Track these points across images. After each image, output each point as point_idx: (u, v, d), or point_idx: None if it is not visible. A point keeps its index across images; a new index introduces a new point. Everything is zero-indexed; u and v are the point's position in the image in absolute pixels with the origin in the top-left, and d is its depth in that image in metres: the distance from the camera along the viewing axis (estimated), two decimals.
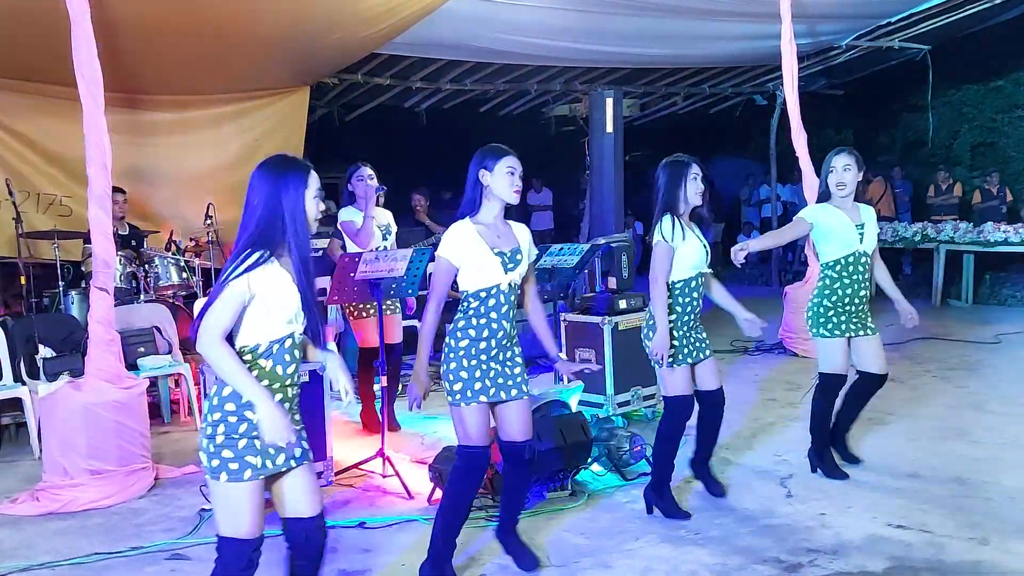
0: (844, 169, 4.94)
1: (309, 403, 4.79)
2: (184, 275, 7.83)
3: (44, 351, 6.11)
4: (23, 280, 7.41)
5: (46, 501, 4.97)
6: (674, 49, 10.71)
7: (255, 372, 2.89)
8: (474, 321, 3.73)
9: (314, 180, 3.05)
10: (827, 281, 5.01)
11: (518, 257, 3.82)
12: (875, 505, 4.68)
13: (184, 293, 7.91)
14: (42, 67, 7.60)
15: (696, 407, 4.66)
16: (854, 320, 5.00)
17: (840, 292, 4.97)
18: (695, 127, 15.68)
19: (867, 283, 5.02)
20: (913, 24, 10.75)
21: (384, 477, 5.27)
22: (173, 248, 8.00)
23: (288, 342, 2.97)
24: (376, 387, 6.29)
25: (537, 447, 4.17)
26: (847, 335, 5.01)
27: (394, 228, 6.52)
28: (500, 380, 3.78)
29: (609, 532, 4.45)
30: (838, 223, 4.96)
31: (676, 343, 4.50)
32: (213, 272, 8.25)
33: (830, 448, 5.22)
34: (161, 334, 6.86)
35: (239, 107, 9.70)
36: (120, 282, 7.15)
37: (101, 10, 5.60)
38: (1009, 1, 10.55)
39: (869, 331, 5.05)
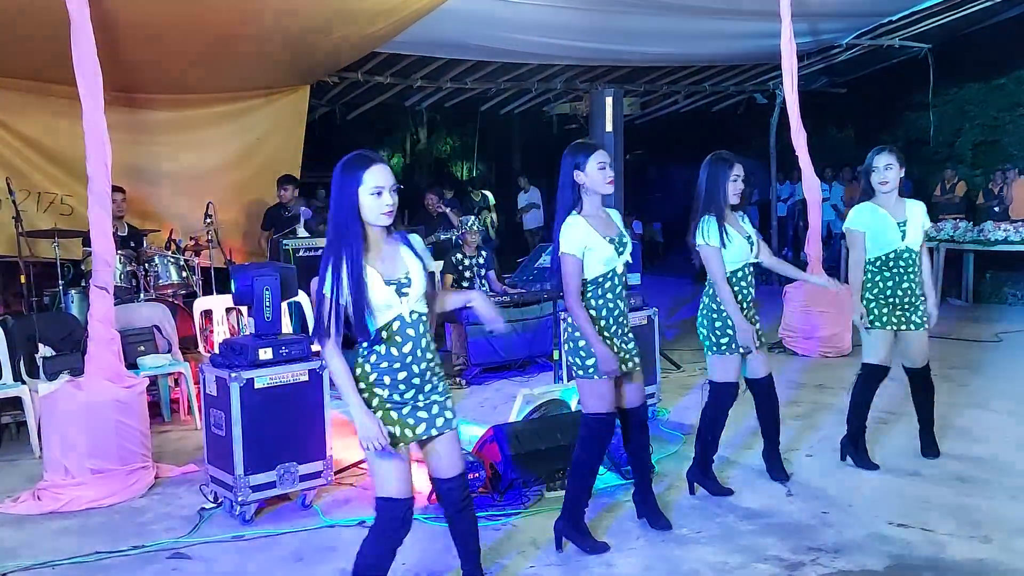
0: (886, 168, 5.03)
1: (309, 403, 4.80)
2: (184, 274, 7.82)
3: (44, 350, 6.11)
4: (23, 279, 7.40)
5: (47, 500, 4.97)
6: (675, 48, 10.71)
7: (374, 358, 3.17)
8: (593, 303, 4.06)
9: (371, 176, 3.12)
10: (869, 275, 5.13)
11: (624, 240, 4.13)
12: (876, 503, 4.67)
13: (184, 292, 7.90)
14: (42, 66, 7.60)
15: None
16: (897, 313, 5.11)
17: (882, 285, 5.09)
18: (696, 126, 15.68)
19: (914, 278, 5.10)
20: (914, 22, 10.74)
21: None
22: (173, 247, 7.99)
23: (396, 324, 3.17)
24: None
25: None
26: (890, 327, 5.12)
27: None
28: (620, 354, 4.12)
29: (610, 530, 4.45)
30: (879, 223, 5.07)
31: (731, 332, 4.66)
32: (213, 271, 8.24)
33: (864, 438, 5.33)
34: (161, 333, 6.86)
35: (239, 106, 9.70)
36: (120, 281, 7.15)
37: (101, 8, 5.60)
38: None
39: (914, 326, 5.14)
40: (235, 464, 4.55)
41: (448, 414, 3.31)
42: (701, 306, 4.80)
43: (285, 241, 8.77)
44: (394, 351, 3.18)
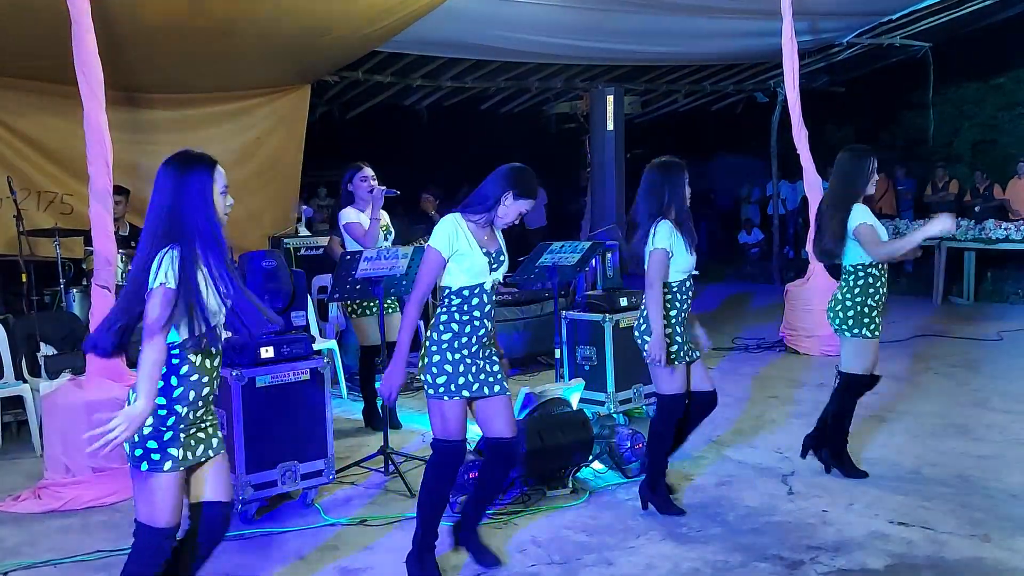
0: (875, 170, 5.02)
1: (310, 401, 4.80)
2: None
3: (45, 349, 6.11)
4: (24, 278, 7.40)
5: (48, 499, 4.97)
6: (675, 46, 10.71)
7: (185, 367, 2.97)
8: (457, 317, 3.79)
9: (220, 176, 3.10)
10: (869, 280, 4.92)
11: (501, 259, 3.91)
12: (877, 502, 4.68)
13: None
14: (43, 65, 7.59)
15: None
16: (878, 321, 4.97)
17: (882, 291, 4.95)
18: (696, 124, 15.69)
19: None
20: (914, 21, 10.75)
21: (385, 475, 5.27)
22: None
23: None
24: (377, 384, 6.29)
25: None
26: (879, 336, 4.96)
27: (392, 232, 6.51)
28: (482, 376, 3.83)
29: (611, 529, 4.45)
30: (879, 224, 4.99)
31: (679, 340, 4.53)
32: None
33: (846, 448, 5.14)
34: None
35: (240, 105, 9.70)
36: (121, 280, 7.14)
37: (102, 8, 5.59)
38: None
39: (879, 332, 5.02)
40: (237, 463, 4.56)
41: (216, 440, 3.15)
42: (643, 313, 4.58)
43: (286, 240, 8.77)
44: (208, 363, 3.04)
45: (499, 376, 3.88)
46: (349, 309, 6.30)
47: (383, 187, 6.18)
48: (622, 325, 6.21)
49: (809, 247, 8.80)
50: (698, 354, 4.65)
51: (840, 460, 5.13)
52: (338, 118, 12.24)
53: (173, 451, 2.94)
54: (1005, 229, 11.31)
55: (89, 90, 5.12)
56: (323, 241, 8.15)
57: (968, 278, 11.81)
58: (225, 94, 9.50)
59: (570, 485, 4.95)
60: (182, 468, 2.97)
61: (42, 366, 6.00)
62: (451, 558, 4.09)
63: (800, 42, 9.18)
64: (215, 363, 3.06)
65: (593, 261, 6.60)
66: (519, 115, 13.89)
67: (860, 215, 4.85)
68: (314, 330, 7.26)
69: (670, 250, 4.43)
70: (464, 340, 3.78)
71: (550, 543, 4.29)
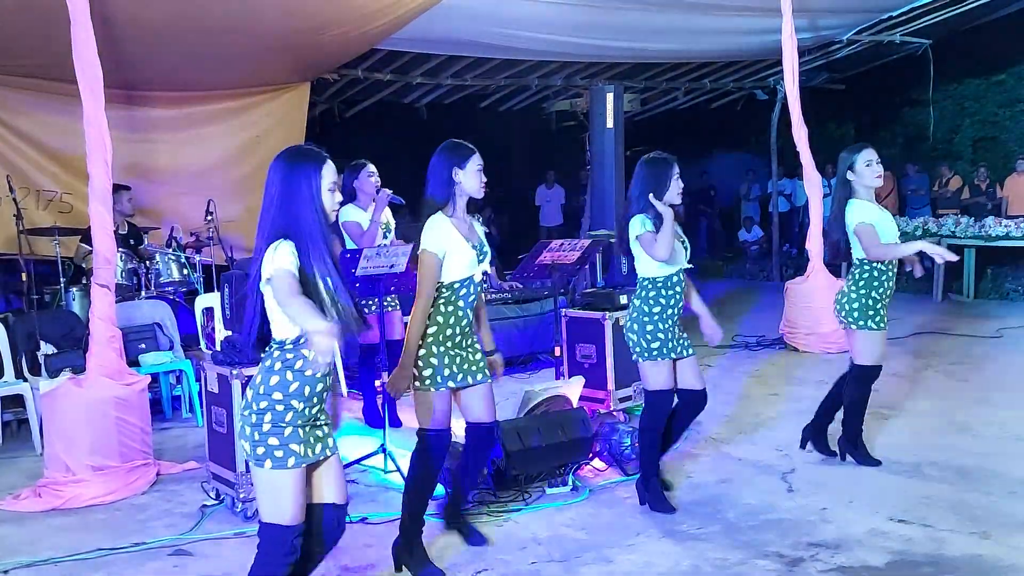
0: (877, 162, 5.02)
1: None
2: (185, 271, 7.83)
3: (45, 347, 6.12)
4: (24, 276, 7.40)
5: (48, 497, 4.97)
6: (675, 44, 10.71)
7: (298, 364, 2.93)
8: (443, 309, 3.86)
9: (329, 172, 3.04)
10: (875, 274, 5.01)
11: (485, 249, 4.00)
12: (876, 499, 4.68)
13: (185, 289, 7.91)
14: (42, 63, 7.60)
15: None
16: (882, 313, 5.08)
17: (886, 284, 5.03)
18: (696, 122, 15.67)
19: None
20: (914, 18, 10.74)
21: (386, 472, 5.28)
22: (174, 244, 8.00)
23: None
24: (377, 383, 6.30)
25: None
26: (885, 327, 5.09)
27: (393, 225, 6.51)
28: (466, 366, 3.92)
29: (610, 527, 4.45)
30: (883, 218, 5.04)
31: (661, 336, 4.50)
32: (214, 268, 8.25)
33: (861, 436, 5.27)
34: (162, 330, 6.87)
35: (239, 103, 9.70)
36: (121, 279, 7.15)
37: (101, 6, 5.60)
38: None
39: (885, 323, 5.13)
40: (237, 461, 4.56)
41: (331, 440, 3.10)
42: (631, 309, 4.59)
43: None
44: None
45: (481, 364, 3.99)
46: None
47: (389, 191, 6.15)
48: (622, 323, 6.20)
49: (808, 245, 8.87)
50: (691, 352, 4.62)
51: (855, 447, 5.24)
52: (338, 116, 12.23)
53: (295, 447, 2.92)
54: (1005, 227, 11.30)
55: (88, 88, 5.12)
56: None
57: (968, 275, 11.80)
58: (225, 92, 9.50)
59: (570, 483, 4.95)
60: (304, 465, 2.95)
61: (42, 365, 6.01)
62: (439, 542, 4.11)
63: (800, 39, 9.18)
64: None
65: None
66: (519, 113, 13.89)
67: (858, 213, 4.92)
68: None
69: (651, 229, 4.40)
70: (449, 332, 3.87)
71: (550, 541, 4.29)
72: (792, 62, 8.48)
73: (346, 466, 5.25)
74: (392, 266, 5.40)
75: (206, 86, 9.29)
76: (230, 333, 4.82)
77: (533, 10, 8.44)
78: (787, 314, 8.89)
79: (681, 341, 4.60)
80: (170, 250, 7.86)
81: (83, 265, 7.35)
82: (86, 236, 6.33)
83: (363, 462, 5.41)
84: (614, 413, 6.14)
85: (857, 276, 5.03)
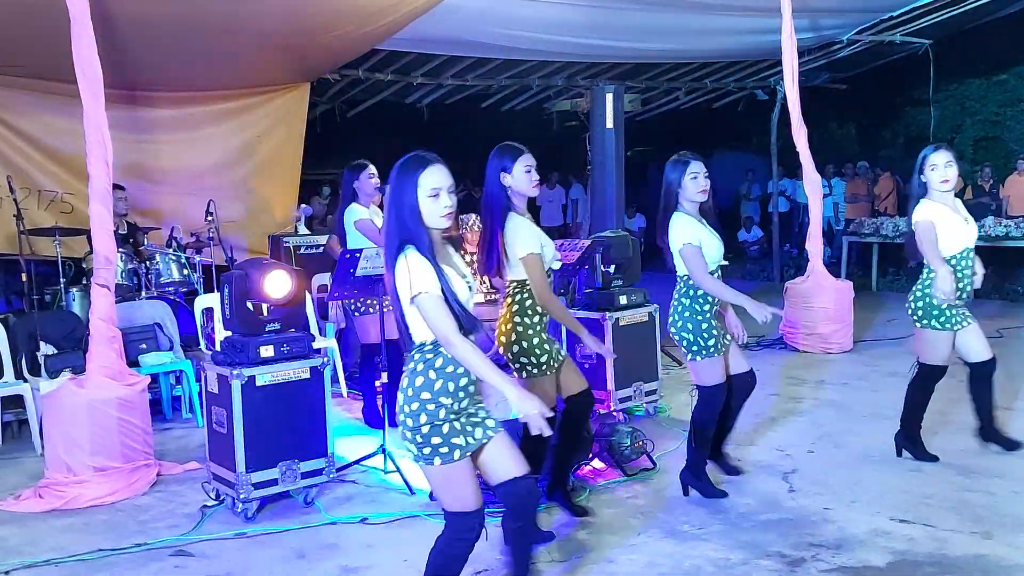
0: (946, 165, 4.98)
1: (310, 400, 4.80)
2: (185, 272, 7.83)
3: (46, 348, 6.11)
4: (24, 277, 7.40)
5: (50, 498, 4.97)
6: (676, 44, 10.70)
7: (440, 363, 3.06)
8: (532, 302, 4.29)
9: (428, 177, 3.02)
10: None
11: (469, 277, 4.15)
12: (878, 500, 4.68)
13: (185, 290, 7.91)
14: (43, 63, 7.60)
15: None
16: (960, 313, 5.11)
17: (955, 286, 5.01)
18: (697, 122, 15.67)
19: (971, 277, 5.11)
20: (915, 18, 10.73)
21: (386, 473, 5.27)
22: (174, 245, 8.00)
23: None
24: (377, 383, 6.29)
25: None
26: (954, 328, 5.11)
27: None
28: (555, 348, 4.40)
29: (611, 527, 4.45)
30: (949, 219, 5.01)
31: (715, 332, 4.63)
32: (214, 269, 8.25)
33: (919, 434, 5.34)
34: (163, 331, 6.87)
35: (240, 104, 9.70)
36: (121, 279, 7.15)
37: (101, 6, 5.59)
38: None
39: (969, 321, 5.17)
40: (237, 461, 4.56)
41: (490, 421, 3.22)
42: (678, 309, 4.66)
43: (286, 239, 8.77)
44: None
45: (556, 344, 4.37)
46: (352, 307, 6.29)
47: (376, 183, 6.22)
48: (622, 323, 6.20)
49: (808, 245, 8.87)
50: (730, 340, 4.77)
51: (913, 444, 5.32)
52: (339, 116, 12.23)
53: (457, 440, 3.05)
54: (1005, 226, 11.29)
55: (89, 88, 5.11)
56: (322, 240, 8.15)
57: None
58: (225, 92, 9.50)
59: (570, 483, 4.94)
60: (468, 454, 3.08)
61: (43, 365, 6.00)
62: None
63: (801, 39, 9.17)
64: None
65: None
66: (521, 113, 13.88)
67: (919, 211, 5.03)
68: (314, 329, 7.26)
69: (694, 242, 4.55)
70: (544, 321, 4.36)
71: (551, 541, 4.28)
72: (792, 62, 8.47)
73: (346, 466, 5.28)
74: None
75: (207, 86, 9.29)
76: (230, 333, 4.81)
77: (534, 10, 8.44)
78: (787, 314, 8.89)
79: (724, 332, 4.75)
80: (170, 250, 7.86)
81: (85, 265, 7.34)
82: (90, 237, 6.33)
83: (363, 463, 5.41)
84: (614, 413, 6.13)
85: (926, 275, 5.10)
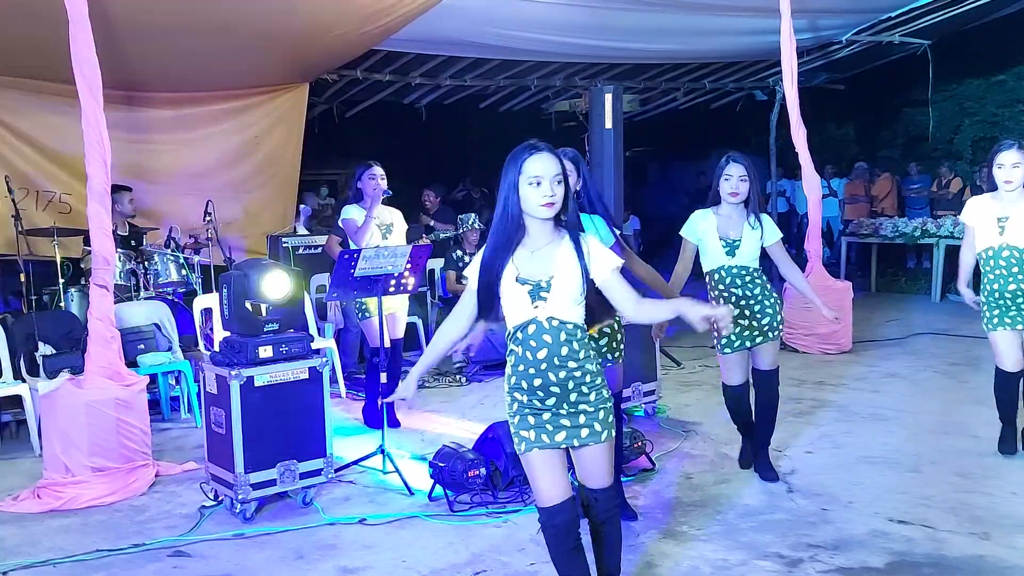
0: (1013, 166, 4.94)
1: (309, 400, 4.80)
2: (183, 272, 7.83)
3: (44, 348, 6.11)
4: (23, 277, 7.40)
5: (48, 498, 4.96)
6: (674, 44, 10.70)
7: (512, 360, 3.14)
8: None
9: (531, 165, 3.03)
10: (982, 272, 5.11)
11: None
12: (876, 500, 4.68)
13: (184, 290, 7.91)
14: (41, 64, 7.58)
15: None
16: (1012, 313, 5.03)
17: (988, 287, 5.06)
18: (695, 123, 15.66)
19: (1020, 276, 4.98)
20: (914, 19, 10.73)
21: (384, 474, 5.27)
22: (172, 245, 8.00)
23: (531, 327, 3.08)
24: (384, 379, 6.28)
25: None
26: (1008, 327, 5.04)
27: (402, 227, 6.49)
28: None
29: None
30: (981, 217, 5.06)
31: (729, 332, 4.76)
32: (213, 269, 8.24)
33: (1013, 427, 5.34)
34: (161, 331, 6.86)
35: (238, 104, 9.69)
36: (120, 279, 7.14)
37: (100, 6, 5.58)
38: None
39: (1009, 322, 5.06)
40: (235, 462, 4.55)
41: (597, 426, 3.09)
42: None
43: (285, 239, 8.77)
44: (529, 355, 3.07)
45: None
46: (358, 312, 6.28)
47: (384, 185, 6.22)
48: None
49: (808, 245, 8.86)
50: (759, 339, 4.83)
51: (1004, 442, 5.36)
52: (337, 116, 12.22)
53: (526, 434, 3.11)
54: None
55: (87, 89, 5.10)
56: (321, 240, 8.14)
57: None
58: (224, 93, 9.49)
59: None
60: (540, 450, 3.12)
61: (41, 366, 6.00)
62: (437, 542, 4.09)
63: (799, 40, 9.16)
64: (539, 355, 3.11)
65: None
66: (519, 113, 13.88)
67: (963, 211, 5.21)
68: (312, 329, 7.26)
69: (691, 238, 4.84)
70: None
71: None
72: (791, 63, 8.47)
73: (344, 467, 5.27)
74: (394, 267, 5.39)
75: (205, 87, 9.28)
76: (228, 334, 4.81)
77: (532, 11, 8.43)
78: (786, 315, 8.86)
79: (743, 331, 4.88)
80: (169, 251, 7.86)
81: (84, 265, 7.34)
82: (88, 238, 6.32)
83: (362, 463, 5.40)
84: None
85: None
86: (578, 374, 3.07)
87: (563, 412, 3.08)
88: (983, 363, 7.80)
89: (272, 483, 4.68)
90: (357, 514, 4.70)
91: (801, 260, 9.14)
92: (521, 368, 3.08)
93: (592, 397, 3.09)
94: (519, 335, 3.08)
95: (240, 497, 4.59)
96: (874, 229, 13.05)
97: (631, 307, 3.11)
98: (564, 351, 3.04)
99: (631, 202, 14.85)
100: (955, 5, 10.38)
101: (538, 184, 2.99)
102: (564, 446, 3.11)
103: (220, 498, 4.85)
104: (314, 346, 4.98)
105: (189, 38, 7.49)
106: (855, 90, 14.83)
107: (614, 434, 3.18)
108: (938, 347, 8.67)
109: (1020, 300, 4.99)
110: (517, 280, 3.06)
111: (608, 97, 10.90)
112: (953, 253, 11.71)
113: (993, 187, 5.06)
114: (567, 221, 3.11)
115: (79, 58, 5.09)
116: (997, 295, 5.03)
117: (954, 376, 7.48)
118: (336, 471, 5.04)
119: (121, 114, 8.36)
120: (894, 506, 4.59)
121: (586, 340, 3.11)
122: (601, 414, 3.10)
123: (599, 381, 3.12)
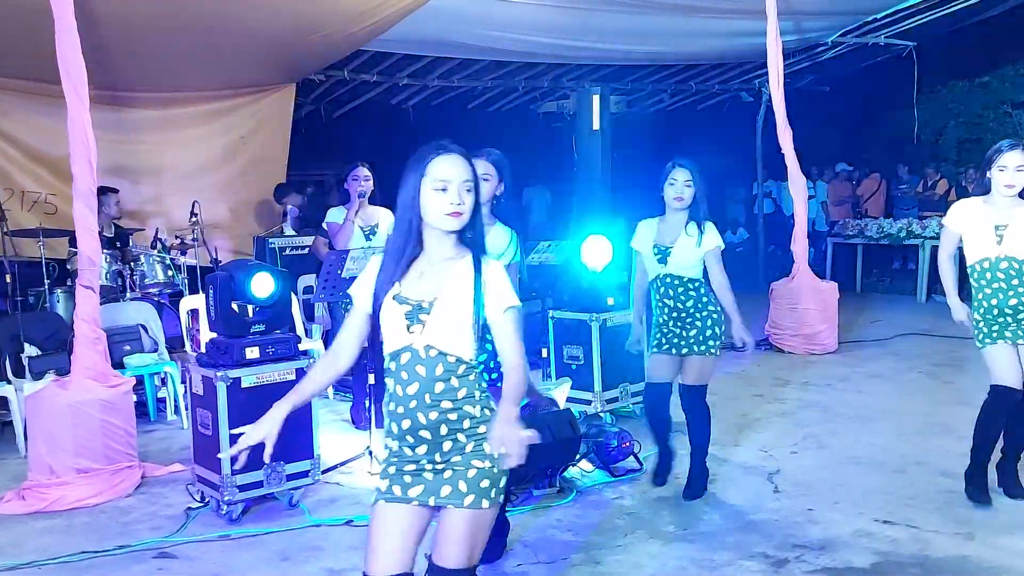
0: (1017, 169, 4.37)
1: None
2: (170, 273, 7.80)
3: (30, 349, 6.08)
4: (8, 278, 7.36)
5: (32, 500, 4.94)
6: (661, 46, 10.72)
7: (386, 397, 2.66)
8: None
9: (436, 167, 2.56)
10: (973, 284, 4.57)
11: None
12: (862, 501, 4.70)
13: (170, 291, 7.88)
14: (26, 64, 7.55)
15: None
16: (1012, 327, 4.47)
17: (985, 303, 4.50)
18: (682, 124, 15.70)
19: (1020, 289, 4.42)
20: (899, 20, 10.79)
21: (371, 475, 5.26)
22: (159, 246, 7.97)
23: (404, 356, 2.59)
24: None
25: None
26: (1009, 341, 4.48)
27: (388, 228, 6.49)
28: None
29: (598, 528, 4.46)
30: (972, 223, 4.52)
31: (660, 332, 4.80)
32: (199, 270, 8.22)
33: (985, 471, 4.64)
34: (147, 332, 6.84)
35: (224, 104, 9.67)
36: (106, 280, 7.11)
37: (85, 6, 5.56)
38: None
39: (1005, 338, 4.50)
40: (222, 463, 4.54)
41: (463, 485, 2.54)
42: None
43: (271, 240, 8.75)
44: (399, 390, 2.57)
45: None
46: (346, 313, 6.27)
47: (369, 186, 6.23)
48: (609, 324, 6.21)
49: (793, 246, 8.89)
50: (685, 350, 4.75)
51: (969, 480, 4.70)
52: (324, 117, 12.20)
53: (380, 483, 2.74)
54: None
55: (73, 89, 5.08)
56: (308, 241, 8.13)
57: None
58: (210, 93, 9.47)
59: (557, 484, 4.95)
60: (387, 501, 2.74)
61: (26, 367, 5.97)
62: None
63: (785, 42, 9.20)
64: (410, 391, 2.62)
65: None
66: (507, 114, 13.89)
67: (948, 215, 4.71)
68: (299, 330, 7.24)
69: (635, 246, 4.86)
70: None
71: (537, 542, 4.29)
72: (777, 64, 8.50)
73: (331, 468, 5.27)
74: None
75: (191, 87, 9.25)
76: (215, 335, 4.79)
77: (520, 12, 8.44)
78: (772, 315, 8.92)
79: (675, 336, 4.84)
80: (155, 251, 7.83)
81: (70, 266, 7.31)
82: (74, 238, 6.30)
83: (348, 464, 5.40)
84: (601, 414, 6.14)
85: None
86: (453, 417, 2.54)
87: (430, 466, 2.57)
88: (968, 364, 7.85)
89: (259, 485, 4.67)
90: (344, 516, 4.69)
91: (787, 261, 9.19)
92: (391, 407, 2.59)
93: (469, 448, 2.54)
94: (392, 365, 2.58)
95: (226, 499, 4.58)
96: (859, 230, 13.11)
97: (509, 360, 2.59)
98: (439, 387, 2.53)
99: (618, 203, 14.88)
100: (940, 7, 10.44)
101: (444, 190, 2.53)
102: (417, 503, 2.58)
103: (206, 499, 4.83)
104: (301, 347, 4.98)
105: (175, 39, 7.47)
106: (841, 92, 14.89)
107: (487, 505, 2.55)
108: (923, 348, 8.71)
109: (1021, 315, 4.43)
110: (395, 298, 2.58)
111: (595, 98, 10.93)
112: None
113: (984, 190, 4.52)
114: (471, 238, 2.61)
115: (65, 58, 5.07)
116: (996, 311, 4.47)
117: (939, 377, 7.52)
118: (323, 472, 5.03)
119: (107, 114, 8.32)
120: (879, 506, 4.61)
121: (472, 379, 2.58)
122: (471, 473, 2.53)
123: (480, 431, 2.55)
